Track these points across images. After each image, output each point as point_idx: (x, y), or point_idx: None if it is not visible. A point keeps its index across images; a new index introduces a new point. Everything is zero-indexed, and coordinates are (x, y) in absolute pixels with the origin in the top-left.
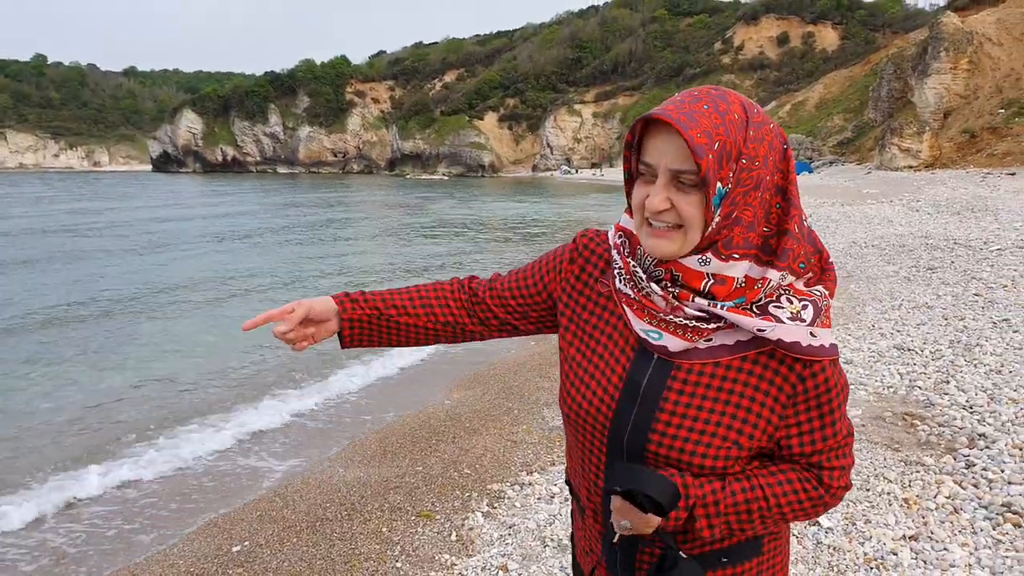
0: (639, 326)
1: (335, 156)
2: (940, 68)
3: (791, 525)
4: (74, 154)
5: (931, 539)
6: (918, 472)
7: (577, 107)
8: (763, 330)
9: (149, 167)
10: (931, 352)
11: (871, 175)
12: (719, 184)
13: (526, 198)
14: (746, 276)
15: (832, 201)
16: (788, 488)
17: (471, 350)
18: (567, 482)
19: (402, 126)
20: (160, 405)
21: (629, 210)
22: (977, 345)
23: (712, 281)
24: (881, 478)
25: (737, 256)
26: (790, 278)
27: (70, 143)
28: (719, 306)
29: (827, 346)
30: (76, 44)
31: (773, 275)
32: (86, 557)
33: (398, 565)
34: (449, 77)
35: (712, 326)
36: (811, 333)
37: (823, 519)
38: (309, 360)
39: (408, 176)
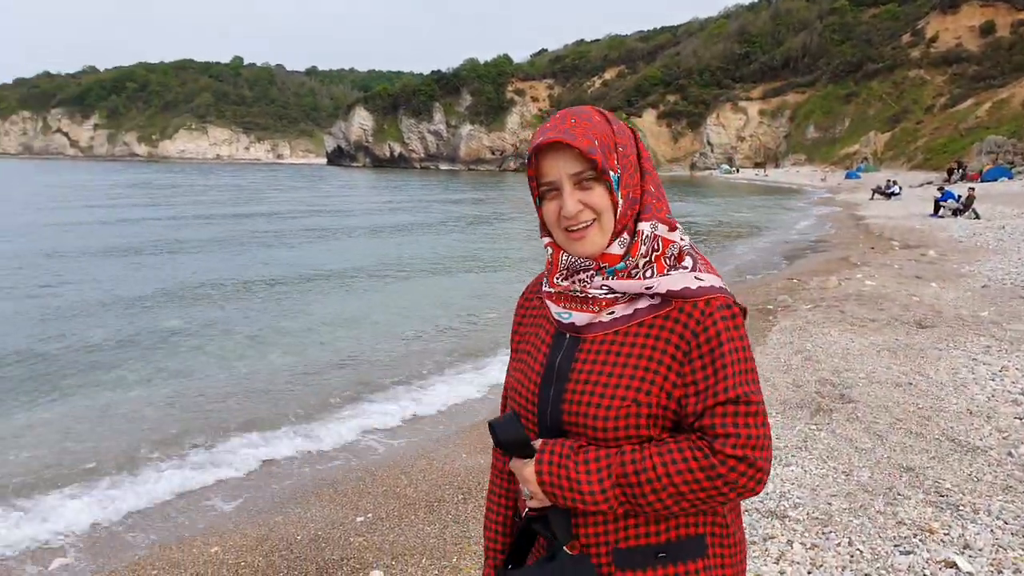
0: (555, 310)
1: (493, 154)
2: None
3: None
4: (261, 147)
5: None
6: None
7: (743, 104)
8: (651, 287)
9: (324, 160)
10: None
11: None
12: (612, 172)
13: (699, 199)
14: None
15: None
16: (678, 457)
17: None
18: None
19: None
20: (316, 385)
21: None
22: None
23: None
24: None
25: (647, 218)
26: (661, 228)
27: (258, 137)
28: (610, 276)
29: (716, 286)
30: (268, 46)
31: (644, 226)
32: (241, 510)
33: None
34: (609, 74)
35: (611, 296)
36: (696, 277)
37: (962, 562)
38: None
39: None
